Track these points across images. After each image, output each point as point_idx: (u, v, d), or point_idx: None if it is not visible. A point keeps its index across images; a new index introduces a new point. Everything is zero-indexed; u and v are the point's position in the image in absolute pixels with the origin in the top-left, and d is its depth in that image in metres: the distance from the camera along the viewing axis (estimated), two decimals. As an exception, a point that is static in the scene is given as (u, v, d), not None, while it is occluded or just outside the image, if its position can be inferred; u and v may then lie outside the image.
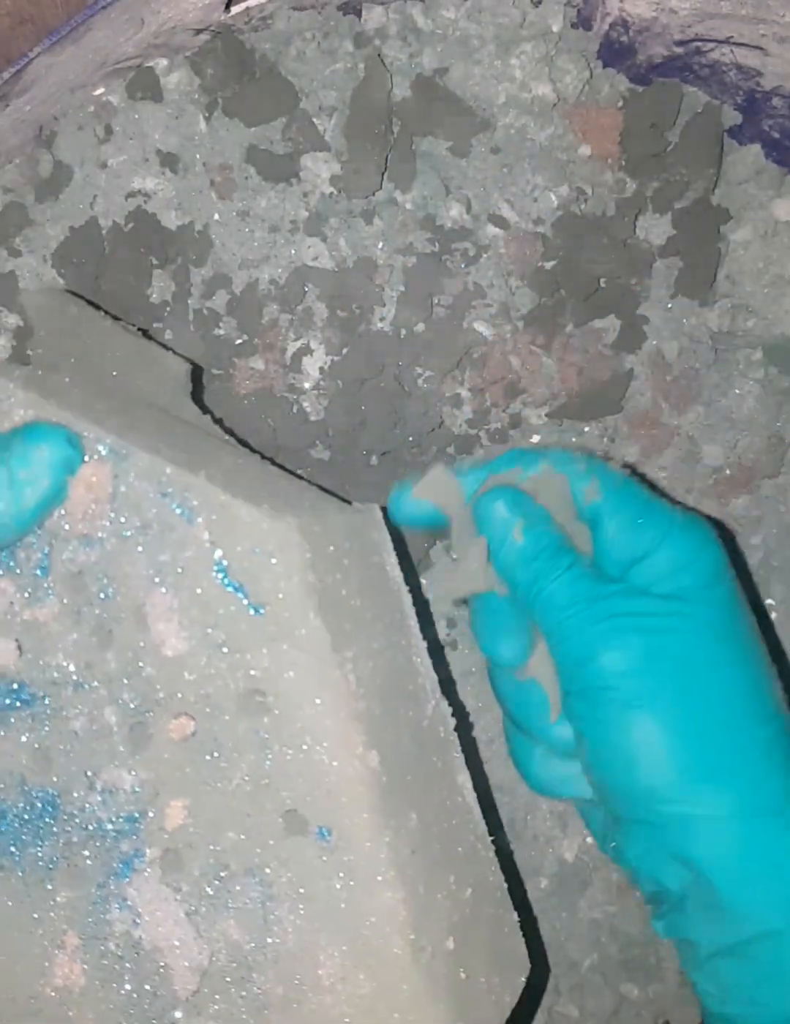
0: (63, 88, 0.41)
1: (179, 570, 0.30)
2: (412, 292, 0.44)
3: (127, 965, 0.32)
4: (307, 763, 0.30)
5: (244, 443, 0.42)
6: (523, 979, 0.36)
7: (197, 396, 0.40)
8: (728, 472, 0.48)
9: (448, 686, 0.36)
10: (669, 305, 0.46)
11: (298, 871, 0.31)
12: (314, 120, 0.43)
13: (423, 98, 0.43)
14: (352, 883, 0.31)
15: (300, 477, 0.37)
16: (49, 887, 0.32)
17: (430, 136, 0.44)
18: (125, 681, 0.31)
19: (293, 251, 0.44)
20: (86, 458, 0.30)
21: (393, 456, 0.45)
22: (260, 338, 0.44)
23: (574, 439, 0.47)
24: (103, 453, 0.30)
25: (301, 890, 0.31)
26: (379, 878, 0.31)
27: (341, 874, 0.31)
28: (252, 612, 0.30)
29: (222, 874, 0.32)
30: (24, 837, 0.32)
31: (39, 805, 0.32)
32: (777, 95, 0.44)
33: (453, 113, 0.43)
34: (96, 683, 0.31)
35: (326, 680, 0.30)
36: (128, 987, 0.32)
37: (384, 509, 0.36)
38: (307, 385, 0.44)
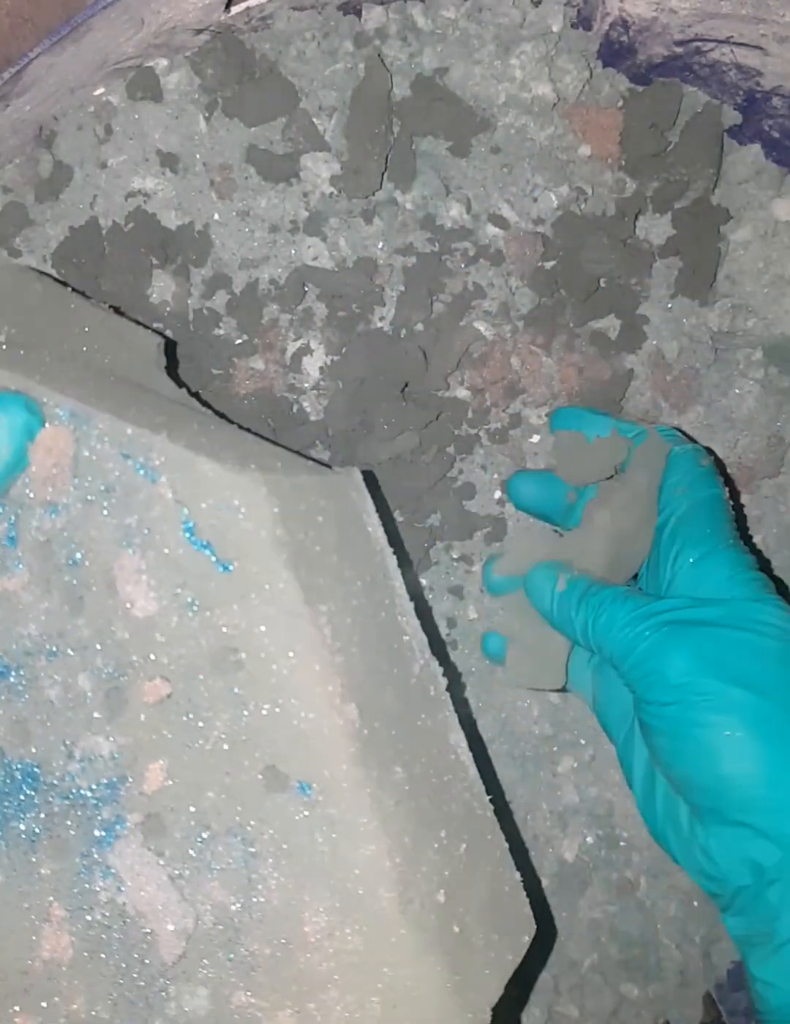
0: (63, 88, 0.41)
1: (146, 531, 0.30)
2: (412, 292, 0.44)
3: (114, 934, 0.32)
4: (284, 718, 0.30)
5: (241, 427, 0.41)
6: (527, 939, 0.36)
7: (172, 371, 0.40)
8: (728, 472, 0.48)
9: (453, 685, 0.36)
10: (669, 305, 0.46)
11: (280, 827, 0.31)
12: (314, 120, 0.43)
13: (423, 98, 0.43)
14: (334, 836, 0.30)
15: (277, 444, 0.37)
16: (33, 860, 0.32)
17: (430, 136, 0.44)
18: (98, 647, 0.31)
19: (293, 251, 0.44)
20: (46, 424, 0.30)
21: (393, 456, 0.45)
22: (260, 338, 0.44)
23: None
24: (62, 418, 0.30)
25: (284, 846, 0.31)
26: (362, 830, 0.30)
27: (324, 828, 0.30)
28: (221, 569, 0.29)
29: (204, 835, 0.31)
30: (6, 811, 0.32)
31: (19, 777, 0.32)
32: (777, 95, 0.44)
33: (453, 113, 0.43)
34: (70, 651, 0.31)
35: (298, 633, 0.30)
36: (117, 956, 0.32)
37: (366, 474, 0.35)
38: (307, 385, 0.44)
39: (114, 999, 0.32)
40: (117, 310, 0.40)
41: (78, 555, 0.31)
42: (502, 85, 0.43)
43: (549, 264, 0.45)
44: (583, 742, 0.49)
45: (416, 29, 0.43)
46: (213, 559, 0.29)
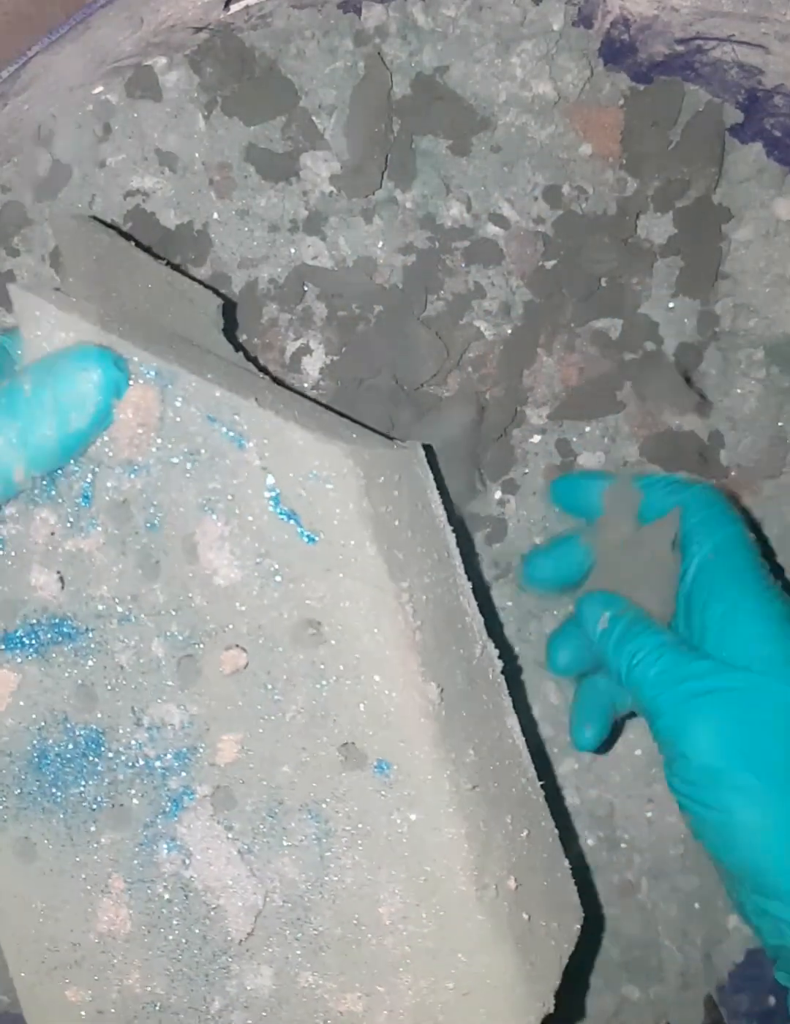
0: (61, 87, 0.40)
1: (230, 497, 0.29)
2: (412, 291, 0.44)
3: (176, 908, 0.31)
4: (365, 694, 0.29)
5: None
6: (578, 927, 0.35)
7: (229, 332, 0.38)
8: (730, 472, 0.47)
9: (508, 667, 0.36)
10: (670, 304, 0.46)
11: (356, 806, 0.30)
12: (314, 119, 0.42)
13: (423, 96, 0.43)
14: (413, 818, 0.30)
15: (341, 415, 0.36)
16: (93, 829, 0.31)
17: (430, 135, 0.43)
18: (173, 613, 0.30)
19: (293, 250, 0.43)
20: (132, 381, 0.29)
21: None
22: (260, 338, 0.44)
23: (576, 438, 0.47)
24: (150, 377, 0.29)
25: (360, 825, 0.30)
26: (441, 812, 0.30)
27: (402, 809, 0.30)
28: (306, 540, 0.29)
29: (276, 810, 0.30)
30: (67, 777, 0.31)
31: (83, 743, 0.31)
32: (779, 93, 0.44)
33: (453, 112, 0.43)
34: (143, 616, 0.30)
35: (384, 609, 0.29)
36: (177, 931, 0.31)
37: (426, 447, 0.35)
38: (306, 385, 0.44)
39: (172, 974, 0.32)
40: (176, 267, 0.38)
41: (156, 519, 0.30)
42: (502, 84, 0.43)
43: (549, 264, 0.45)
44: (584, 743, 0.48)
45: (416, 27, 0.43)
46: (298, 529, 0.29)
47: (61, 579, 0.30)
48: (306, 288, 0.43)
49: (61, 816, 0.31)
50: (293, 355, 0.44)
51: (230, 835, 0.31)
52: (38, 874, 0.32)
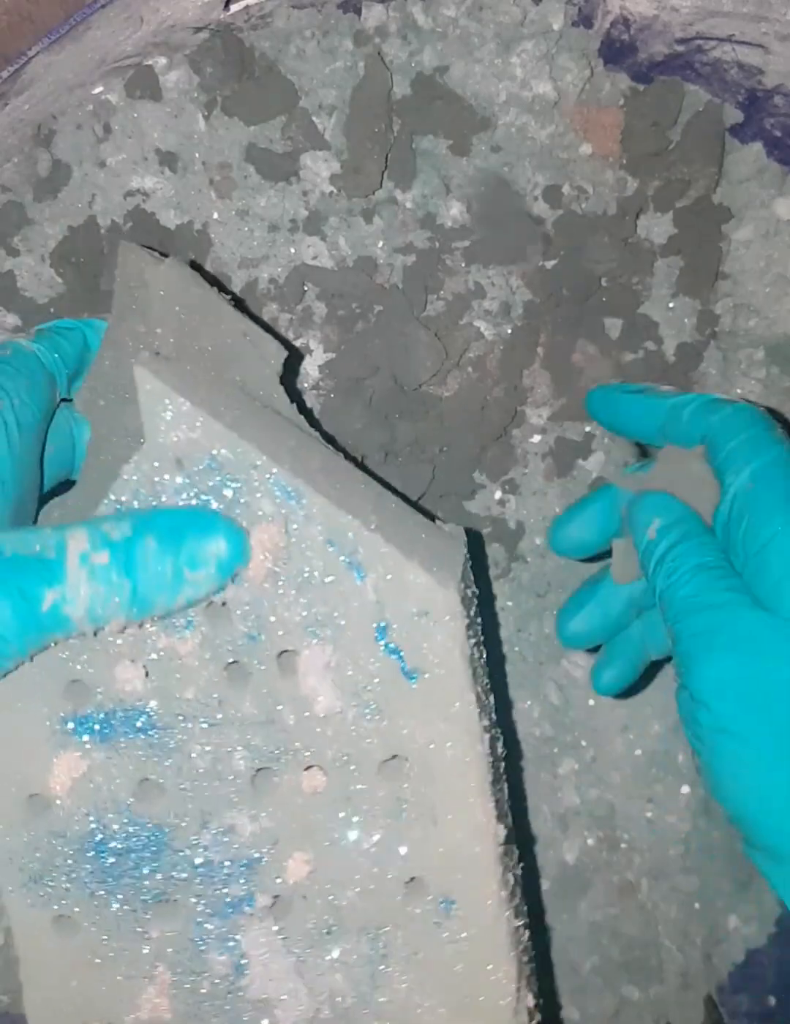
0: (62, 87, 0.40)
1: (339, 624, 0.29)
2: (412, 291, 0.44)
3: (223, 1007, 0.31)
4: (440, 832, 0.30)
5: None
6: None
7: (286, 381, 0.37)
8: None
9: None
10: (671, 304, 0.46)
11: (415, 935, 0.31)
12: (314, 119, 0.42)
13: (423, 96, 0.43)
14: (468, 952, 0.31)
15: (399, 494, 0.36)
16: (145, 918, 0.31)
17: (430, 135, 0.43)
18: (260, 726, 0.30)
19: (293, 250, 0.43)
20: (260, 512, 0.29)
21: (393, 456, 0.45)
22: (259, 337, 0.44)
23: (576, 438, 0.47)
24: (277, 498, 0.29)
25: (416, 954, 0.31)
26: (497, 951, 0.31)
27: (459, 944, 0.31)
28: (407, 678, 0.29)
29: (334, 928, 0.31)
30: (121, 866, 0.31)
31: (144, 836, 0.30)
32: (779, 93, 0.43)
33: (453, 112, 0.43)
34: (227, 724, 0.30)
35: (471, 753, 0.30)
36: None
37: (469, 532, 0.35)
38: (306, 385, 0.44)
39: None
40: (244, 308, 0.37)
41: (258, 631, 0.29)
42: (502, 83, 0.43)
43: (549, 264, 0.45)
44: (584, 744, 0.48)
45: (416, 27, 0.43)
46: (401, 666, 0.29)
47: (147, 673, 0.30)
48: (306, 288, 0.43)
49: (110, 902, 0.31)
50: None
51: (285, 945, 0.31)
52: (76, 951, 0.31)
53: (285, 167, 0.43)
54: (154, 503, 0.29)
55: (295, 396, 0.36)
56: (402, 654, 0.29)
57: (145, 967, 0.31)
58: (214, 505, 0.29)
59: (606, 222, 0.44)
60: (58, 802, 0.30)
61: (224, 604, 0.29)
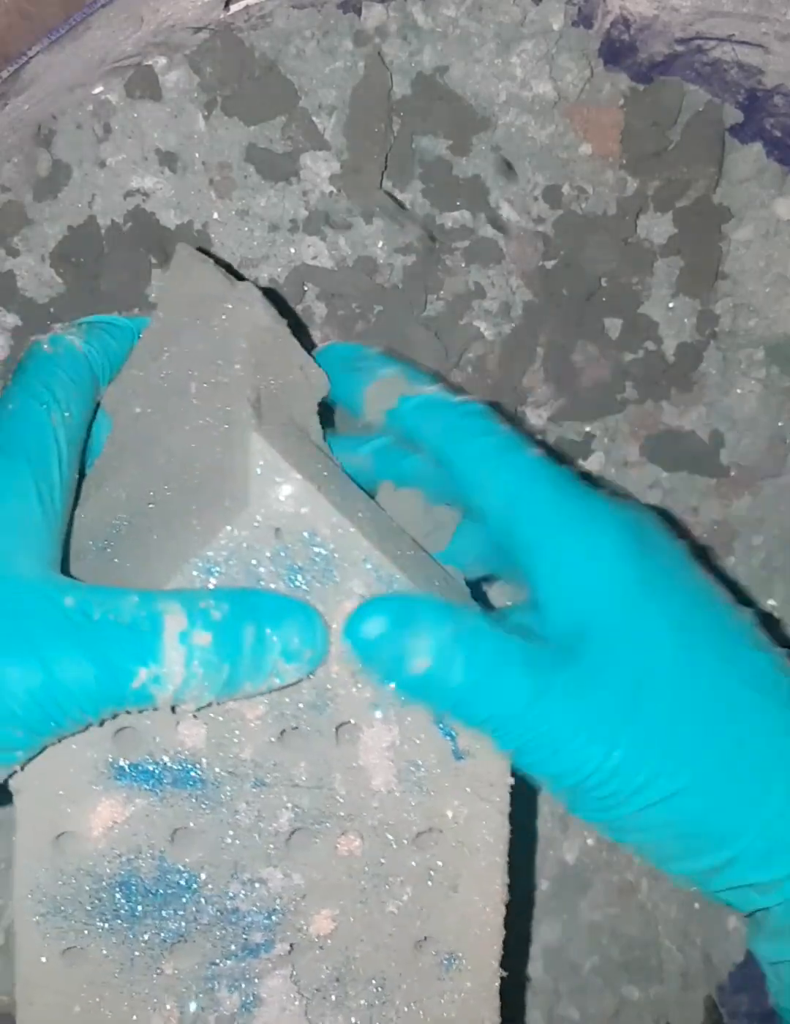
0: (62, 87, 0.40)
1: (401, 703, 0.30)
2: (412, 291, 0.44)
3: None
4: (459, 901, 0.32)
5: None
6: None
7: (323, 411, 0.36)
8: (730, 472, 0.47)
9: None
10: (670, 304, 0.46)
11: (417, 985, 0.32)
12: (314, 119, 0.42)
13: (423, 96, 0.43)
14: (462, 1002, 0.32)
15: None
16: (159, 956, 0.31)
17: (430, 135, 0.43)
18: (309, 791, 0.30)
19: (292, 250, 0.43)
20: (349, 589, 0.29)
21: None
22: (259, 338, 0.44)
23: (576, 438, 0.47)
24: (369, 580, 0.29)
25: (413, 1003, 0.32)
26: (488, 1004, 0.33)
27: (456, 995, 0.32)
28: (456, 758, 0.31)
29: (345, 976, 0.32)
30: (144, 908, 0.31)
31: (174, 882, 0.31)
32: (779, 93, 0.44)
33: (453, 111, 0.43)
34: (279, 786, 0.30)
35: (500, 831, 0.31)
36: None
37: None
38: (307, 385, 0.44)
39: None
40: (299, 334, 0.36)
41: (324, 699, 0.30)
42: (502, 83, 0.43)
43: (549, 264, 0.45)
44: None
45: (416, 27, 0.43)
46: (453, 748, 0.30)
47: (207, 732, 0.30)
48: (306, 288, 0.43)
49: (127, 938, 0.31)
50: (293, 355, 0.44)
51: (297, 990, 0.32)
52: (82, 979, 0.31)
53: (285, 167, 0.43)
54: (245, 571, 0.28)
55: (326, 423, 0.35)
56: (455, 736, 0.30)
57: (154, 1000, 0.32)
58: (305, 578, 0.29)
59: (606, 222, 0.44)
60: (93, 843, 0.30)
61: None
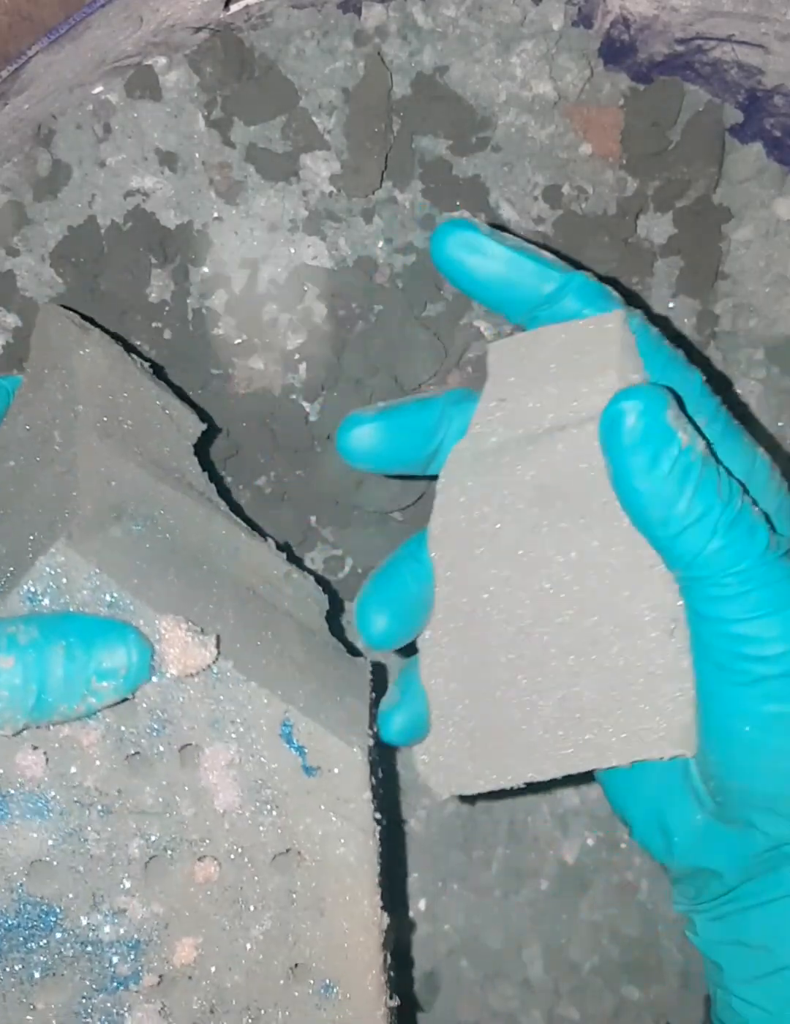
0: (62, 86, 0.40)
1: (243, 721, 0.30)
2: (412, 291, 0.44)
3: None
4: (327, 924, 0.31)
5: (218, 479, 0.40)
6: None
7: (200, 451, 0.37)
8: (729, 472, 0.47)
9: None
10: (670, 304, 0.46)
11: (295, 1016, 0.32)
12: (314, 118, 0.42)
13: (423, 96, 0.43)
14: None
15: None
16: (28, 991, 0.31)
17: (430, 135, 0.43)
18: (157, 816, 0.30)
19: (292, 250, 0.43)
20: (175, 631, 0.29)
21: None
22: (260, 338, 0.44)
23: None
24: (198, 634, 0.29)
25: None
26: None
27: (338, 1022, 0.32)
28: (306, 774, 0.30)
29: (218, 1008, 0.32)
30: (7, 944, 0.31)
31: (32, 914, 0.30)
32: (779, 93, 0.44)
33: (453, 112, 0.43)
34: (125, 813, 0.30)
35: (365, 851, 0.31)
36: None
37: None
38: (306, 384, 0.44)
39: None
40: (162, 377, 0.38)
41: (163, 724, 0.30)
42: (502, 83, 0.43)
43: (550, 263, 0.45)
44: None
45: (416, 27, 0.43)
46: (303, 763, 0.30)
47: (47, 759, 0.30)
48: (306, 288, 0.43)
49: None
50: (292, 354, 0.44)
51: (169, 1022, 0.32)
52: None
53: (285, 167, 0.43)
54: (68, 598, 0.29)
55: (207, 466, 0.37)
56: (305, 751, 0.30)
57: None
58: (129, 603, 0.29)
59: (606, 222, 0.44)
60: None
61: (131, 697, 0.29)
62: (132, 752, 0.30)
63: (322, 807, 0.30)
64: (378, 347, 0.43)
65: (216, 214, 0.43)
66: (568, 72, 0.43)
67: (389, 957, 0.33)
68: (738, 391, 0.47)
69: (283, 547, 0.38)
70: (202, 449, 0.38)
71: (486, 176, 0.44)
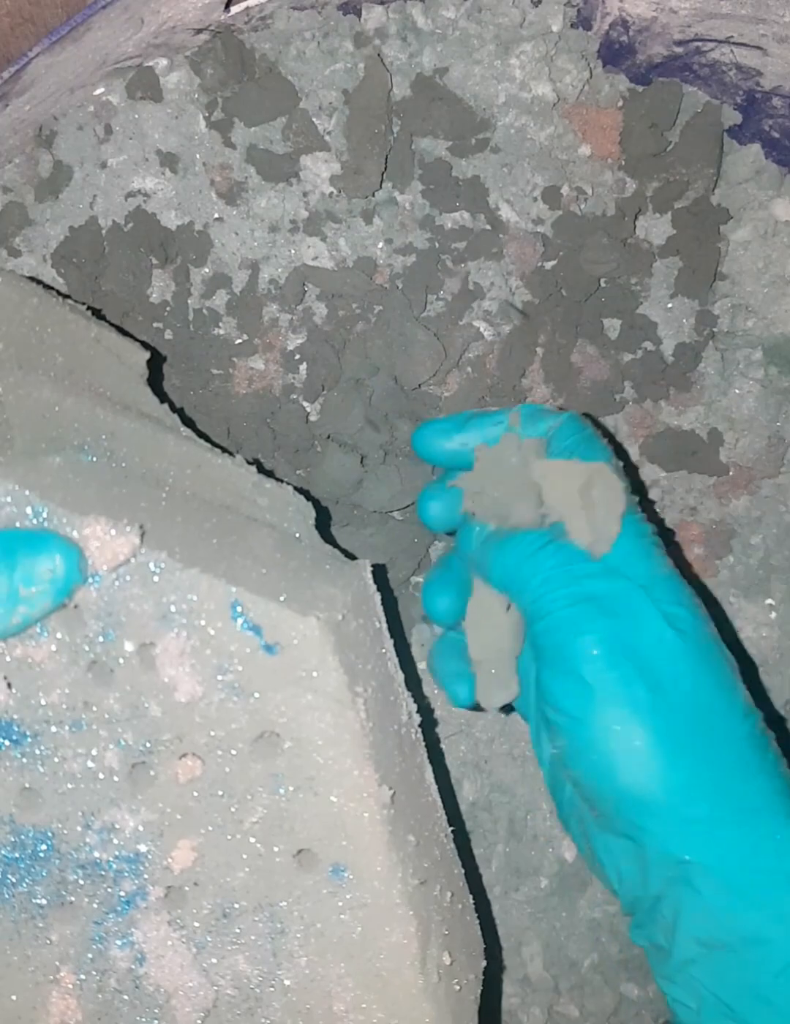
0: (63, 88, 0.41)
1: (190, 610, 0.29)
2: (412, 292, 0.44)
3: (127, 999, 0.32)
4: (321, 803, 0.30)
5: (204, 434, 0.40)
6: (483, 963, 0.36)
7: (155, 384, 0.38)
8: (728, 472, 0.48)
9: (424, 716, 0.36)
10: (669, 305, 0.46)
11: (310, 907, 0.31)
12: (314, 120, 0.43)
13: (423, 98, 0.43)
14: (365, 917, 0.31)
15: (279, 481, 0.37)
16: (41, 925, 0.31)
17: (430, 135, 0.44)
18: (128, 722, 0.30)
19: (293, 251, 0.43)
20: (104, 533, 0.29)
21: (392, 455, 0.45)
22: (260, 338, 0.44)
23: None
24: (125, 530, 0.29)
25: (314, 926, 0.31)
26: (393, 914, 0.31)
27: (355, 910, 0.31)
28: (267, 652, 0.29)
29: (230, 911, 0.31)
30: (11, 875, 0.31)
31: (30, 844, 0.30)
32: (777, 95, 0.44)
33: (453, 113, 0.43)
34: (95, 724, 0.30)
35: (342, 722, 0.29)
36: (128, 1021, 0.32)
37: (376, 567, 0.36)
38: (305, 384, 0.44)
39: None
40: (101, 316, 0.38)
41: (112, 628, 0.29)
42: (502, 85, 0.43)
43: (549, 264, 0.45)
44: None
45: (416, 29, 0.43)
46: (260, 642, 0.29)
47: (8, 684, 0.30)
48: (306, 288, 0.44)
49: (6, 911, 0.31)
50: (293, 354, 0.44)
51: (182, 935, 0.31)
52: None
53: (285, 168, 0.43)
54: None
55: (163, 395, 0.37)
56: (261, 631, 0.29)
57: (50, 971, 0.31)
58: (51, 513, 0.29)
59: (605, 223, 0.44)
60: None
61: (75, 607, 0.29)
62: (89, 660, 0.29)
63: (290, 684, 0.29)
64: (378, 347, 0.44)
65: (217, 215, 0.43)
66: (567, 73, 0.43)
67: (416, 836, 0.32)
68: (736, 391, 0.47)
69: (253, 462, 0.38)
70: (156, 380, 0.38)
71: (486, 177, 0.44)
